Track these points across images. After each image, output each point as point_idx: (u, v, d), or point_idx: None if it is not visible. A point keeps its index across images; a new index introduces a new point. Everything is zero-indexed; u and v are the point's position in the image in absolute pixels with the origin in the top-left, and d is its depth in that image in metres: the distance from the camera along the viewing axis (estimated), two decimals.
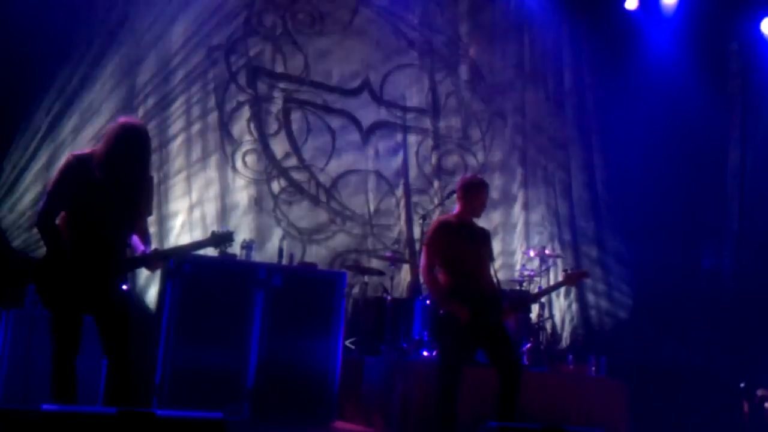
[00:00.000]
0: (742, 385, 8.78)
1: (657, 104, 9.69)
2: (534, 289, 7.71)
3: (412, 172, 8.85)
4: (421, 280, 6.06)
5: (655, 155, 9.63)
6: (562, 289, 8.99)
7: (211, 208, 7.68)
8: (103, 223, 4.13)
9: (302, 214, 8.16)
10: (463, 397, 5.01)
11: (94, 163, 4.14)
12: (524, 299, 6.30)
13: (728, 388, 8.60)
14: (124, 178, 4.17)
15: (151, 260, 4.29)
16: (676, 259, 9.46)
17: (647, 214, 9.53)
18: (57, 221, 4.16)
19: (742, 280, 9.54)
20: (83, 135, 7.10)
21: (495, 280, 5.39)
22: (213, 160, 7.82)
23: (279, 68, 8.31)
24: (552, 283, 6.63)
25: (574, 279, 5.71)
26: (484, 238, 5.46)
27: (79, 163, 4.15)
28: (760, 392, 8.82)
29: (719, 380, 8.51)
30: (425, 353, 6.59)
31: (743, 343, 9.19)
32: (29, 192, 6.87)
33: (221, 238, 4.45)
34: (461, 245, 5.23)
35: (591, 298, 9.41)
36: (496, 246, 8.90)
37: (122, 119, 4.37)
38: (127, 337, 4.12)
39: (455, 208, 5.52)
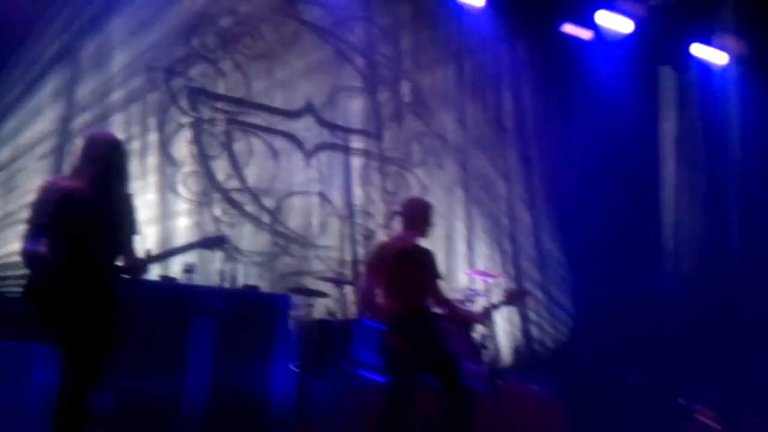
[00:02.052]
0: (680, 401, 8.99)
1: (594, 125, 9.91)
2: (477, 308, 7.76)
3: (356, 193, 8.87)
4: (361, 302, 6.05)
5: (594, 175, 9.85)
6: (504, 309, 9.07)
7: (151, 231, 7.55)
8: (95, 244, 4.00)
9: (245, 236, 8.10)
10: (413, 422, 5.00)
11: (79, 183, 4.01)
12: (468, 318, 6.30)
13: (667, 405, 8.79)
14: (112, 196, 4.06)
15: (139, 264, 4.19)
16: (614, 277, 9.66)
17: (586, 234, 9.72)
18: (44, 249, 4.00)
19: (677, 298, 9.78)
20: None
21: (443, 299, 5.41)
22: (153, 182, 7.72)
23: (221, 90, 8.26)
24: (493, 302, 6.67)
25: (515, 298, 5.78)
26: (427, 259, 5.49)
27: (57, 187, 4.03)
28: (697, 410, 9.02)
29: (658, 397, 8.68)
30: (371, 376, 6.56)
31: (681, 360, 9.42)
32: None
33: (212, 241, 4.34)
34: (404, 267, 5.24)
35: (532, 316, 9.52)
36: (441, 267, 8.94)
37: (96, 131, 4.25)
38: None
39: (399, 229, 5.54)
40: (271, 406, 6.23)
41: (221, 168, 8.12)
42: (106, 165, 4.11)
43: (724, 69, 10.24)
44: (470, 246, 9.37)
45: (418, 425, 5.01)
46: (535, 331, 9.48)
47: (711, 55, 10.12)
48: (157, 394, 5.76)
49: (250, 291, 6.95)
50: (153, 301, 6.02)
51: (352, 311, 8.07)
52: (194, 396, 5.85)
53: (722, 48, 10.08)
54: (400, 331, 5.07)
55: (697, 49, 10.07)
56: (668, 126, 10.36)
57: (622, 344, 9.40)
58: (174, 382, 5.86)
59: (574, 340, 9.53)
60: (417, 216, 5.44)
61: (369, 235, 8.19)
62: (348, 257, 8.59)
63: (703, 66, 10.21)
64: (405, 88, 9.42)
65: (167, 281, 6.03)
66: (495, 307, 6.35)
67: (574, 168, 9.98)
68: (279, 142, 8.49)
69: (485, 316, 6.36)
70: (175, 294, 6.20)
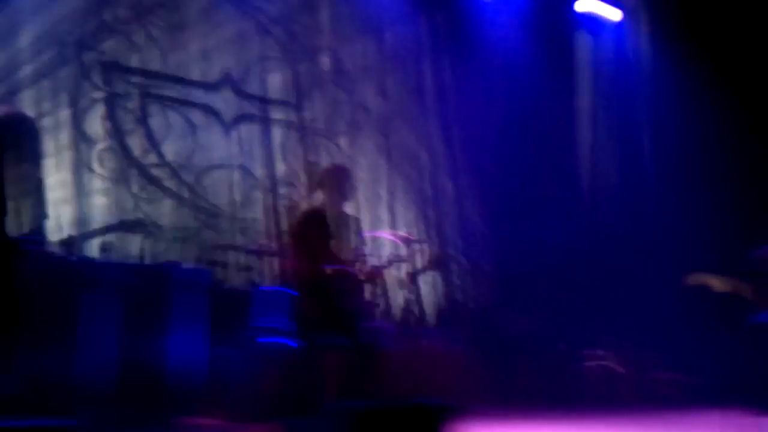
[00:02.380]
0: (583, 348, 9.31)
1: (513, 92, 10.09)
2: (401, 273, 7.90)
3: (278, 164, 8.83)
4: (289, 271, 6.08)
5: (512, 140, 10.03)
6: (435, 270, 9.23)
7: (67, 211, 7.42)
8: None
9: (165, 212, 8.01)
10: (320, 381, 5.07)
11: None
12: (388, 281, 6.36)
13: (572, 351, 9.14)
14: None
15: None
16: (532, 233, 9.87)
17: (505, 195, 9.92)
18: None
19: (593, 256, 10.09)
20: None
21: (365, 264, 5.47)
22: (67, 160, 7.56)
23: (135, 63, 8.11)
24: (417, 266, 6.79)
25: (433, 262, 5.90)
26: (349, 225, 5.53)
27: None
28: (597, 355, 9.33)
29: (565, 345, 9.02)
30: (281, 340, 6.59)
31: (588, 309, 9.75)
32: None
33: None
34: (328, 235, 5.28)
35: (453, 274, 9.65)
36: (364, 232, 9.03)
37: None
38: None
39: (321, 197, 5.56)
40: (191, 379, 6.23)
41: (137, 143, 7.98)
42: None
43: (626, 25, 10.51)
44: (393, 212, 9.44)
45: (328, 386, 5.09)
46: (455, 292, 9.62)
47: (608, 11, 10.38)
48: (71, 373, 5.70)
49: (171, 266, 6.89)
50: (67, 278, 5.95)
51: (273, 282, 8.08)
52: (109, 373, 5.81)
53: (616, 4, 10.38)
54: (312, 293, 5.11)
55: (597, 7, 10.29)
56: (583, 86, 10.57)
57: (538, 300, 9.67)
58: (88, 359, 5.82)
59: (492, 296, 9.74)
60: (338, 183, 5.46)
61: (293, 206, 8.17)
62: (272, 229, 8.57)
63: (613, 25, 10.46)
64: (324, 58, 9.39)
65: (85, 258, 5.95)
66: (415, 270, 6.44)
67: (494, 134, 10.13)
68: (197, 115, 8.39)
69: (404, 279, 6.44)
70: (93, 271, 6.12)
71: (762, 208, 8.80)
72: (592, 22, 10.39)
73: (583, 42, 10.50)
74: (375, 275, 6.42)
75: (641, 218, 10.53)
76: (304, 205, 8.49)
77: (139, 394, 5.97)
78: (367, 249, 8.04)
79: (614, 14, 10.49)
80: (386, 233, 8.31)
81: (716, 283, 6.22)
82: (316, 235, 5.23)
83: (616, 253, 10.27)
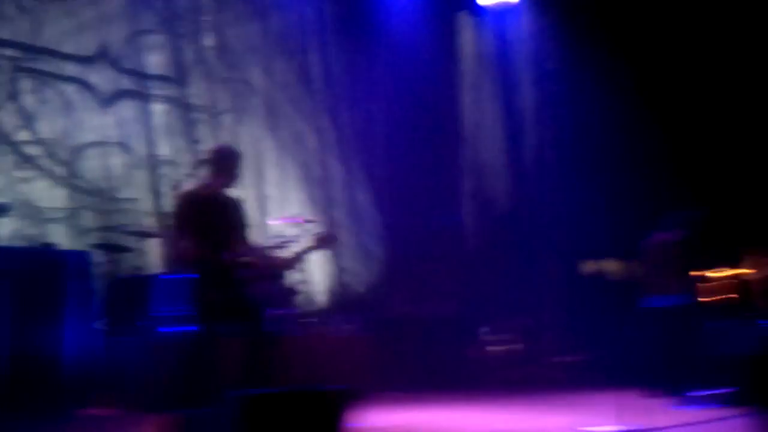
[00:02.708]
0: (480, 330, 9.61)
1: (398, 75, 10.20)
2: (287, 254, 7.86)
3: (159, 142, 8.59)
4: (172, 253, 5.95)
5: (399, 122, 10.15)
6: (315, 253, 9.22)
7: None
8: None
9: (39, 192, 7.65)
10: (219, 369, 5.03)
11: None
12: (280, 264, 6.31)
13: (468, 334, 9.37)
14: None
15: None
16: (421, 216, 10.07)
17: (394, 179, 10.05)
18: None
19: (478, 234, 10.38)
20: None
21: (250, 247, 5.41)
22: None
23: (6, 35, 7.66)
24: (303, 247, 6.76)
25: (323, 243, 5.90)
26: (235, 207, 5.45)
27: None
28: (495, 337, 9.68)
29: (461, 327, 9.23)
30: (178, 328, 6.49)
31: (481, 292, 10.03)
32: None
33: None
34: (211, 216, 5.18)
35: (343, 258, 9.72)
36: (251, 214, 8.93)
37: None
38: None
39: (206, 177, 5.45)
40: (75, 367, 6.03)
41: (9, 120, 7.56)
42: None
43: (515, 10, 10.76)
44: (283, 193, 9.37)
45: (225, 374, 5.05)
46: (347, 276, 9.69)
47: None
48: None
49: (47, 250, 6.62)
50: None
51: (159, 265, 7.91)
52: None
53: None
54: (207, 280, 5.04)
55: None
56: (467, 71, 10.77)
57: (428, 281, 9.87)
58: None
59: (383, 280, 9.86)
60: (224, 163, 5.36)
61: (175, 186, 7.94)
62: (153, 209, 8.36)
63: (497, 9, 10.67)
64: (207, 33, 9.16)
65: None
66: (305, 252, 6.42)
67: (380, 115, 10.21)
68: (71, 90, 8.04)
69: (294, 262, 6.41)
70: None
71: (655, 193, 9.05)
72: (477, 5, 10.52)
73: (470, 25, 10.66)
74: (292, 263, 6.36)
75: (532, 202, 10.79)
76: (188, 186, 8.33)
77: (30, 384, 5.73)
78: (283, 235, 8.01)
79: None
80: (285, 218, 8.25)
81: (611, 268, 6.49)
82: (205, 218, 5.15)
83: (508, 238, 10.53)
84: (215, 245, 5.15)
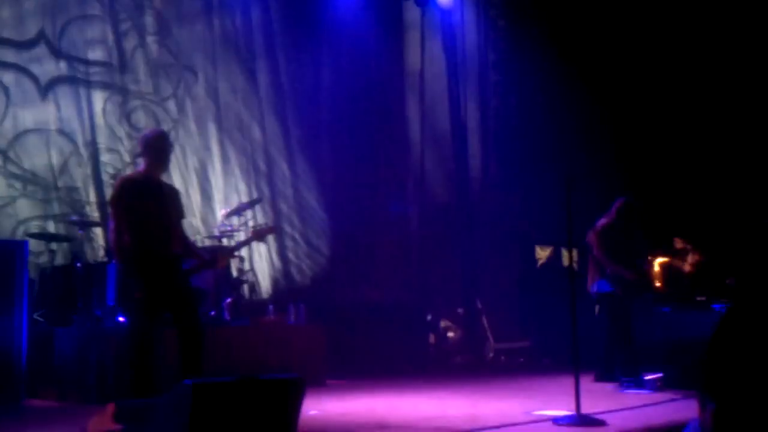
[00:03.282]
0: (428, 317, 9.63)
1: (344, 60, 10.13)
2: (233, 243, 7.79)
3: (100, 129, 8.37)
4: (110, 241, 5.83)
5: (344, 110, 10.07)
6: (262, 242, 9.14)
7: None
8: None
9: None
10: (162, 358, 4.95)
11: None
12: (218, 255, 6.22)
13: (416, 321, 9.38)
14: None
15: None
16: (367, 206, 10.03)
17: (339, 167, 10.00)
18: None
19: (424, 223, 10.39)
20: None
21: (184, 238, 5.34)
22: None
23: None
24: (242, 239, 6.69)
25: (262, 234, 5.88)
26: (172, 195, 5.36)
27: None
28: (443, 323, 9.73)
29: (409, 315, 9.24)
30: (120, 319, 6.35)
31: (428, 280, 10.05)
32: None
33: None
34: (148, 204, 5.08)
35: (289, 248, 9.62)
36: (195, 203, 8.81)
37: None
38: None
39: (142, 164, 5.36)
40: (12, 358, 5.85)
41: None
42: None
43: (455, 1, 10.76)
44: (227, 182, 9.22)
45: (162, 363, 4.96)
46: (292, 262, 9.60)
47: None
48: None
49: None
50: None
51: (98, 254, 7.73)
52: None
53: None
54: (143, 269, 4.95)
55: None
56: (412, 60, 10.74)
57: (375, 269, 9.85)
58: None
59: (330, 267, 9.81)
60: (157, 150, 5.25)
61: (115, 174, 7.77)
62: (93, 198, 8.15)
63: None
64: (149, 19, 8.95)
65: None
66: (245, 243, 6.34)
67: (326, 103, 10.12)
68: (8, 76, 7.80)
69: (233, 252, 6.33)
70: None
71: (601, 180, 9.09)
72: None
73: (416, 16, 10.61)
74: (232, 251, 6.26)
75: (479, 191, 10.82)
76: (126, 173, 8.18)
77: None
78: (226, 224, 7.89)
79: None
80: (229, 208, 8.14)
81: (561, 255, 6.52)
82: (142, 204, 5.04)
83: (454, 227, 10.55)
84: (150, 234, 5.05)
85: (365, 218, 9.95)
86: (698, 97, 9.82)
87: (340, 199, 9.91)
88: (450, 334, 9.84)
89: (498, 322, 9.88)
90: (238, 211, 8.06)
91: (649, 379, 6.71)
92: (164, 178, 5.53)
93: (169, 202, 5.24)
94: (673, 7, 9.83)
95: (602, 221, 7.20)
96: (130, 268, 5.06)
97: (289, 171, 9.80)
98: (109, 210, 5.32)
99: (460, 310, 10.11)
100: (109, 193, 8.07)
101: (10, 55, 7.84)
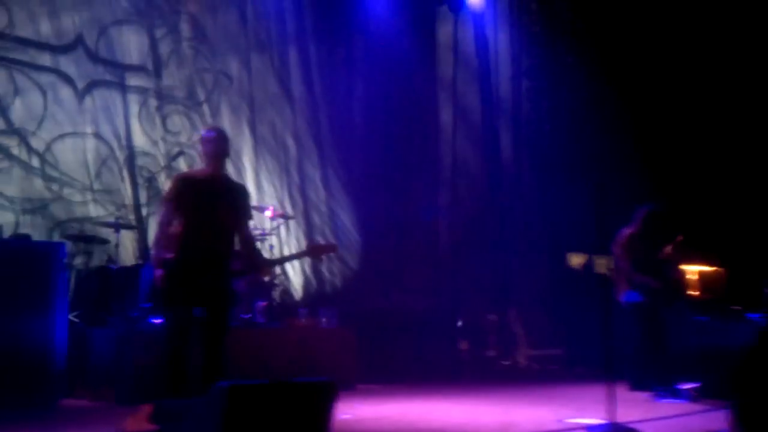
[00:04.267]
0: (459, 323, 9.60)
1: (377, 69, 10.15)
2: (266, 246, 7.87)
3: (135, 133, 8.48)
4: (158, 236, 5.78)
5: (377, 117, 10.10)
6: (294, 243, 9.20)
7: None
8: None
9: (13, 182, 7.52)
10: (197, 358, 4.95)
11: None
12: (263, 265, 6.18)
13: (447, 327, 9.36)
14: None
15: None
16: (398, 213, 10.03)
17: (371, 174, 10.01)
18: None
19: (455, 230, 10.37)
20: None
21: (251, 239, 5.33)
22: None
23: None
24: (292, 252, 6.71)
25: (320, 251, 5.75)
26: (232, 193, 5.26)
27: None
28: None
29: (439, 321, 9.22)
30: (155, 320, 6.41)
31: (458, 286, 10.02)
32: None
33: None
34: (199, 199, 5.05)
35: (320, 264, 9.58)
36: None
37: None
38: None
39: (202, 163, 5.34)
40: (50, 359, 5.92)
41: None
42: None
43: (494, 5, 10.74)
44: (258, 186, 9.27)
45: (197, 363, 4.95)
46: (324, 266, 9.61)
47: None
48: None
49: (21, 240, 6.50)
50: None
51: (133, 257, 7.81)
52: None
53: None
54: (183, 268, 4.93)
55: None
56: (445, 67, 10.73)
57: (406, 275, 9.84)
58: None
59: (361, 272, 9.82)
60: (212, 147, 5.23)
61: (150, 177, 7.85)
62: (128, 201, 8.25)
63: (477, 4, 10.62)
64: (184, 24, 9.03)
65: None
66: (296, 257, 6.29)
67: (359, 110, 10.16)
68: (47, 79, 7.92)
69: (280, 263, 6.31)
70: None
71: (630, 188, 9.00)
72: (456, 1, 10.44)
73: (449, 19, 10.59)
74: (270, 268, 6.23)
75: (511, 197, 10.77)
76: (163, 177, 8.26)
77: (7, 376, 5.62)
78: (259, 228, 7.92)
79: None
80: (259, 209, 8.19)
81: (595, 262, 6.45)
82: (194, 203, 5.03)
83: (486, 233, 10.51)
84: (197, 229, 5.02)
85: (396, 225, 9.96)
86: (732, 106, 9.69)
87: (371, 206, 9.92)
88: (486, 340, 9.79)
89: (531, 329, 9.82)
90: (284, 216, 8.12)
91: (685, 389, 6.63)
92: None
93: (230, 201, 5.17)
94: (710, 16, 9.71)
95: (626, 231, 7.09)
96: (172, 264, 4.99)
97: (321, 179, 9.83)
98: (163, 203, 5.34)
99: (492, 317, 10.06)
100: (144, 196, 8.24)
101: (47, 59, 7.96)
